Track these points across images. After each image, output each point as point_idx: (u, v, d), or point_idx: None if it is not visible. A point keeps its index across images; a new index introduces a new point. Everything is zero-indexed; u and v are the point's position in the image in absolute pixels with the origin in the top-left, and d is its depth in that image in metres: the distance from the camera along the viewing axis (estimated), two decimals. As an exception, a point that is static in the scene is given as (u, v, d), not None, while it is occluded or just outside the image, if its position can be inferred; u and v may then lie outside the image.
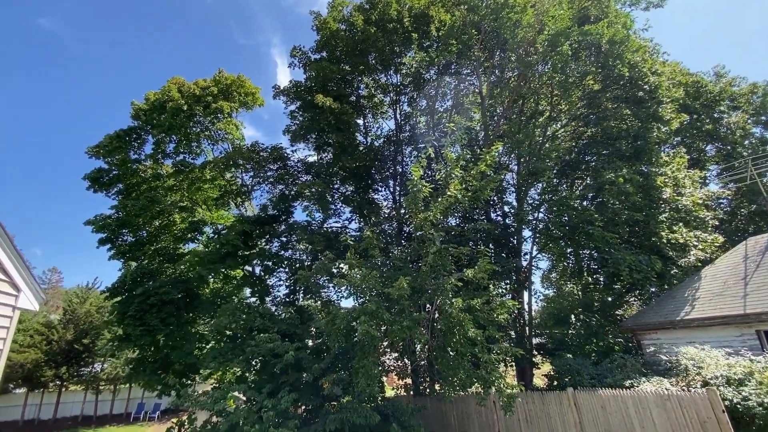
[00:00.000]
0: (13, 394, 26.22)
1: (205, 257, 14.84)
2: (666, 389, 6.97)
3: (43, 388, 26.25)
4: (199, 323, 17.11)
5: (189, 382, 16.64)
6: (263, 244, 17.14)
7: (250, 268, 17.55)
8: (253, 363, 10.23)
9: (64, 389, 27.35)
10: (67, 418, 26.99)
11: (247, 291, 18.75)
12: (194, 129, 17.96)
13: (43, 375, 25.42)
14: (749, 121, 21.98)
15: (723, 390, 6.58)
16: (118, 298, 15.80)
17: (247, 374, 11.81)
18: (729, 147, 21.31)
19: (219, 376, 17.23)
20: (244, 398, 9.84)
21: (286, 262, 16.40)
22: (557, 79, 12.58)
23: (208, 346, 16.90)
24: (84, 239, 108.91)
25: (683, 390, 6.80)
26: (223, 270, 16.53)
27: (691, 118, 20.37)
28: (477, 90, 16.02)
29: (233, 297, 17.54)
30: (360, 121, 17.47)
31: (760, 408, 6.07)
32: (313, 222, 16.67)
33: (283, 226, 16.73)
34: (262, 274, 17.11)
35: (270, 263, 16.46)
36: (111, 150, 17.14)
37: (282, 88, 17.09)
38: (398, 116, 17.35)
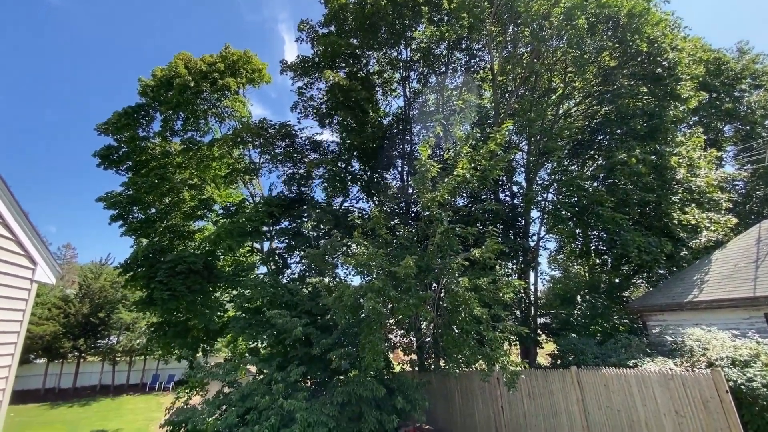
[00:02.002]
0: (34, 364, 27.43)
1: (234, 230, 15.22)
2: (670, 369, 7.02)
3: (62, 358, 27.42)
4: (218, 293, 17.82)
5: (208, 348, 17.42)
6: (285, 222, 17.59)
7: (268, 244, 18.03)
8: (266, 336, 10.56)
9: (82, 360, 28.53)
10: (86, 387, 28.25)
11: (262, 267, 19.34)
12: (201, 106, 17.87)
13: (62, 346, 26.51)
14: (771, 100, 21.15)
15: (727, 371, 6.60)
16: (144, 266, 16.44)
17: (260, 347, 12.26)
18: (748, 127, 20.65)
19: (232, 348, 18.04)
20: (255, 370, 10.17)
21: (301, 240, 16.76)
22: (572, 54, 12.16)
23: (225, 315, 17.65)
24: (97, 216, 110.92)
25: (687, 370, 6.85)
26: (249, 244, 17.26)
27: (710, 97, 19.69)
28: (488, 66, 15.59)
29: (252, 271, 18.21)
30: (369, 99, 17.20)
31: (765, 389, 6.09)
32: (322, 202, 16.76)
33: (304, 207, 16.92)
34: (283, 251, 17.52)
35: (292, 242, 16.83)
36: (119, 127, 17.19)
37: (289, 64, 16.82)
38: (407, 93, 17.02)
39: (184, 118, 17.91)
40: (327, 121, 16.86)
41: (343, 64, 16.26)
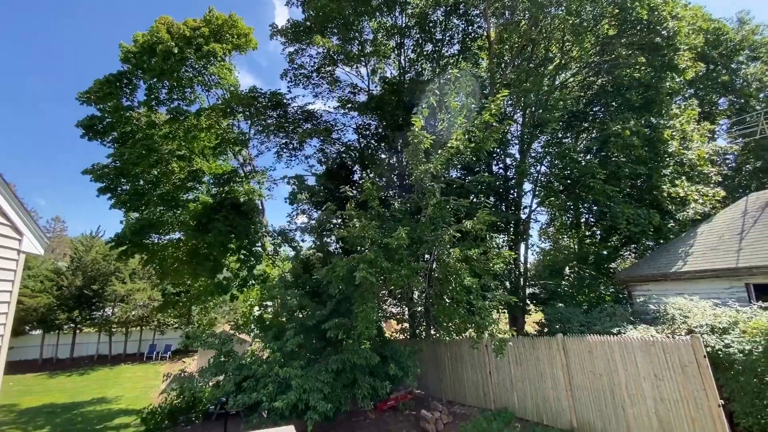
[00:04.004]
0: (30, 335, 27.66)
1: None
2: (651, 336, 7.29)
3: (58, 330, 27.67)
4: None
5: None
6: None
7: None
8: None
9: (78, 331, 28.82)
10: (84, 357, 28.72)
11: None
12: (186, 74, 17.21)
13: (57, 318, 26.71)
14: (768, 72, 20.98)
15: (707, 338, 6.87)
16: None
17: (265, 315, 12.48)
18: (742, 100, 20.55)
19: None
20: (250, 339, 10.36)
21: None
22: (571, 22, 11.81)
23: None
24: (85, 189, 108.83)
25: (668, 337, 7.11)
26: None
27: (707, 68, 19.42)
28: (485, 34, 15.11)
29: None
30: (363, 69, 16.71)
31: (740, 355, 6.37)
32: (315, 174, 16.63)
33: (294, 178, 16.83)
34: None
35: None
36: (102, 96, 16.54)
37: (279, 28, 16.13)
38: (402, 62, 16.51)
39: (169, 86, 17.28)
40: (320, 92, 16.39)
41: (336, 30, 15.62)
